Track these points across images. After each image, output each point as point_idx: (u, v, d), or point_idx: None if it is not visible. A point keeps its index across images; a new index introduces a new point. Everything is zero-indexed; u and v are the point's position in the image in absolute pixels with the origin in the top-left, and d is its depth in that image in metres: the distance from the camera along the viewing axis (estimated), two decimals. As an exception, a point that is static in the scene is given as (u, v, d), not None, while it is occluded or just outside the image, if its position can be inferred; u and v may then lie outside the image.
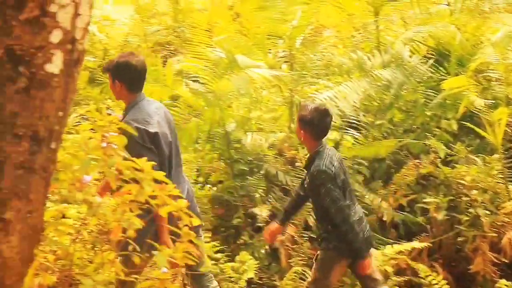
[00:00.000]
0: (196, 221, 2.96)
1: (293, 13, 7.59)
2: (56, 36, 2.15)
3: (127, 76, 4.37)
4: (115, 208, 2.83)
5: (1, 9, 2.09)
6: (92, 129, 2.86)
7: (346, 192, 4.67)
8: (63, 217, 4.11)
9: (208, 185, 6.85)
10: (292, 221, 6.22)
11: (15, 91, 2.13)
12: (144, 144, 4.10)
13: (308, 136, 4.68)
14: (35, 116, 2.18)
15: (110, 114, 2.97)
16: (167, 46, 10.63)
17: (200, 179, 7.03)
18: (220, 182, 6.95)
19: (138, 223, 2.79)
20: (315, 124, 4.61)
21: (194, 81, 7.51)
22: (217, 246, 5.95)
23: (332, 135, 6.95)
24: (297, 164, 6.96)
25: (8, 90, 2.12)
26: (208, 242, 5.79)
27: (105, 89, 8.20)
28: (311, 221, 6.28)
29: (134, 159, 2.83)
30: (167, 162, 4.29)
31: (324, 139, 4.79)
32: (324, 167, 4.52)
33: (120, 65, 4.39)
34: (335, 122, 6.83)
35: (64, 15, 2.16)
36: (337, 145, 6.97)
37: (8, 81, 2.12)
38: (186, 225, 2.92)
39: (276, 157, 7.02)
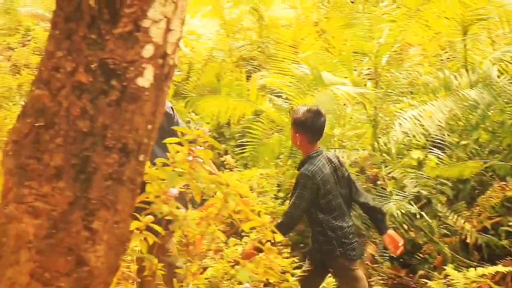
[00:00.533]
0: (279, 237, 2.96)
1: (379, 30, 7.53)
2: (148, 51, 2.19)
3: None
4: (200, 222, 2.85)
5: (96, 23, 2.15)
6: (178, 142, 2.89)
7: (332, 202, 4.63)
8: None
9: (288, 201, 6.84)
10: (373, 240, 6.15)
11: (107, 104, 2.18)
12: None
13: (304, 139, 4.66)
14: (125, 129, 2.22)
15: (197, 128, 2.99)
16: (251, 61, 10.72)
17: (281, 194, 7.04)
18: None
19: (222, 237, 2.81)
20: (308, 125, 4.59)
21: (277, 96, 7.55)
22: (296, 262, 5.92)
23: (415, 154, 6.85)
24: (378, 182, 6.89)
25: (100, 102, 2.17)
26: (287, 257, 5.77)
27: (189, 102, 8.32)
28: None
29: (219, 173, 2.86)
30: None
31: (320, 146, 4.80)
32: (309, 173, 4.52)
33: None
34: (419, 141, 6.75)
35: (157, 30, 2.20)
36: (420, 165, 6.86)
37: (100, 94, 2.17)
38: (269, 241, 2.92)
39: (358, 175, 6.96)
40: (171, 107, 5.22)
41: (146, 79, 2.22)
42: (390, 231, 4.91)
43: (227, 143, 8.86)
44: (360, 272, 4.93)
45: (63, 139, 2.20)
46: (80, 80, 2.17)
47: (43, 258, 2.25)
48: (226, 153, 8.34)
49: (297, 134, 4.63)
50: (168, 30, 2.24)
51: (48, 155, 2.22)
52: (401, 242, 4.90)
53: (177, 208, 2.73)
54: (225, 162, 8.05)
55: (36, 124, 2.23)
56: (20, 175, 2.26)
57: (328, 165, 4.65)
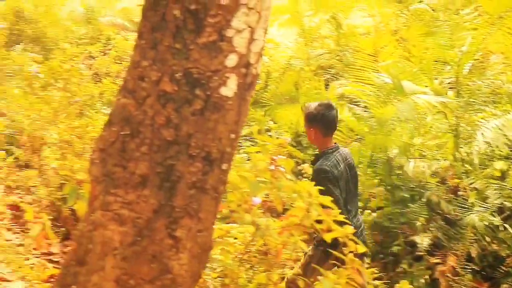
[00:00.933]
0: (361, 248, 2.92)
1: (461, 39, 7.36)
2: (231, 60, 2.20)
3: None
4: (281, 231, 2.84)
5: (180, 33, 2.17)
6: (259, 151, 2.90)
7: (347, 198, 4.56)
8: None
9: (368, 211, 6.76)
10: (454, 252, 6.02)
11: (191, 113, 2.20)
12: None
13: (318, 133, 4.57)
14: (209, 138, 2.23)
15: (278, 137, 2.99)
16: (329, 69, 10.66)
17: (360, 204, 6.96)
18: (380, 208, 6.84)
19: (304, 247, 2.79)
20: (319, 118, 4.51)
21: (356, 105, 7.48)
22: (375, 273, 5.84)
23: (498, 164, 6.66)
24: (460, 193, 6.73)
25: (185, 111, 2.19)
26: (367, 268, 5.71)
27: (268, 111, 8.34)
28: (474, 252, 6.04)
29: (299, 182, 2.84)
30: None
31: (336, 142, 4.71)
32: (325, 167, 4.42)
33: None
34: (502, 152, 6.56)
35: (240, 40, 2.21)
36: (504, 175, 6.66)
37: (185, 103, 2.19)
38: (351, 252, 2.88)
39: (439, 185, 6.81)
40: None
41: (229, 89, 2.23)
42: None
43: (304, 151, 8.81)
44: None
45: (148, 148, 2.23)
46: (165, 89, 2.19)
47: (128, 265, 2.28)
48: (303, 162, 8.30)
49: (311, 129, 4.55)
50: (251, 39, 2.25)
51: (134, 163, 2.25)
52: None
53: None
54: (302, 171, 8.01)
55: (122, 133, 2.27)
56: (106, 183, 2.30)
57: (343, 163, 4.58)
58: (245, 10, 2.19)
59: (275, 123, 8.76)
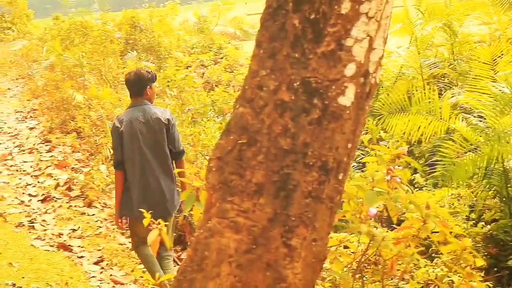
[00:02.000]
0: (479, 262, 2.83)
1: None
2: (350, 70, 2.18)
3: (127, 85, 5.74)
4: (397, 242, 2.79)
5: (299, 42, 2.17)
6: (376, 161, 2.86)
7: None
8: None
9: (482, 223, 6.55)
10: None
11: (308, 122, 2.19)
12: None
13: None
14: (326, 147, 2.22)
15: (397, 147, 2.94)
16: (442, 78, 10.44)
17: (473, 215, 6.76)
18: (495, 220, 6.62)
19: (420, 259, 2.72)
20: None
21: (471, 115, 7.28)
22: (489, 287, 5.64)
23: None
24: None
25: (302, 120, 2.19)
26: (480, 281, 5.52)
27: (379, 120, 8.24)
28: None
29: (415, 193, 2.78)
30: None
31: None
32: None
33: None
34: None
35: (359, 49, 2.18)
36: None
37: (302, 112, 2.19)
38: (469, 266, 2.79)
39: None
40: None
41: (347, 98, 2.21)
42: None
43: (416, 161, 8.67)
44: None
45: (264, 156, 2.25)
46: (282, 98, 2.20)
47: (243, 273, 2.30)
48: (415, 171, 8.14)
49: None
50: (370, 48, 2.22)
51: (250, 172, 2.27)
52: None
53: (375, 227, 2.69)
54: (414, 181, 7.87)
55: (239, 141, 2.29)
56: (223, 191, 2.33)
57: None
58: (365, 19, 2.17)
59: (386, 132, 8.65)
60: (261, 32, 2.29)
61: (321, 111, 2.18)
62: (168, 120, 5.56)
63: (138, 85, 5.51)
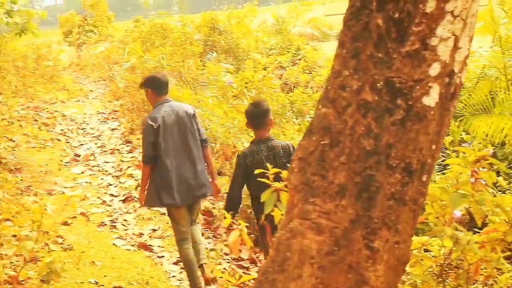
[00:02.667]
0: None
1: None
2: (434, 69, 2.15)
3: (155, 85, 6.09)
4: (482, 246, 2.72)
5: (383, 41, 2.15)
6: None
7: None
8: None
9: None
10: None
11: (392, 122, 2.16)
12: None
13: (248, 124, 5.56)
14: (409, 148, 2.19)
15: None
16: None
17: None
18: None
19: (506, 264, 2.65)
20: (248, 114, 5.46)
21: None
22: None
23: None
24: None
25: (385, 121, 2.17)
26: None
27: (461, 121, 8.07)
28: None
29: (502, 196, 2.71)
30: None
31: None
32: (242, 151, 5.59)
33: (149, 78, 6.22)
34: None
35: (444, 48, 2.14)
36: None
37: (385, 112, 2.16)
38: None
39: None
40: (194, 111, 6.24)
41: (431, 98, 2.17)
42: None
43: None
44: None
45: (347, 157, 2.23)
46: (365, 98, 2.18)
47: (324, 275, 2.29)
48: (498, 174, 7.93)
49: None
50: (456, 48, 2.17)
51: (332, 173, 2.26)
52: None
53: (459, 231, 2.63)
54: (497, 184, 7.66)
55: (321, 142, 2.28)
56: (305, 192, 2.32)
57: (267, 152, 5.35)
58: (450, 18, 2.12)
59: (468, 134, 8.46)
60: (344, 31, 2.27)
61: (404, 111, 2.15)
62: (194, 113, 6.11)
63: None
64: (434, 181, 3.12)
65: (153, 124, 5.79)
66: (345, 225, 2.24)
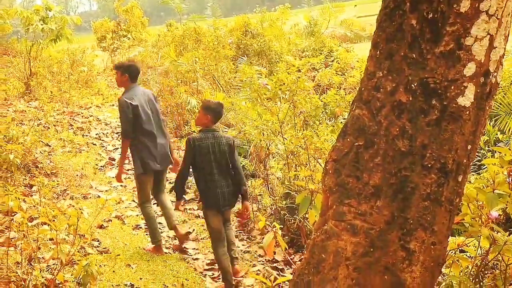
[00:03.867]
0: None
1: None
2: (469, 69, 2.13)
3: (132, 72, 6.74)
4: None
5: (417, 42, 2.14)
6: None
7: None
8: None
9: None
10: None
11: (426, 123, 2.16)
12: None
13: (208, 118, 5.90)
14: (444, 149, 2.18)
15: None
16: None
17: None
18: None
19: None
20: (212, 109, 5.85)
21: None
22: None
23: None
24: None
25: (420, 122, 2.16)
26: None
27: (496, 122, 7.97)
28: None
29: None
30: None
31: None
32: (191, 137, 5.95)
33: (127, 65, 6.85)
34: None
35: (479, 48, 2.13)
36: None
37: (420, 113, 2.15)
38: None
39: None
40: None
41: (466, 98, 2.16)
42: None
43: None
44: None
45: (381, 158, 2.23)
46: (400, 99, 2.18)
47: (360, 276, 2.29)
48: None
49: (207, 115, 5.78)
50: (491, 47, 2.16)
51: (367, 174, 2.26)
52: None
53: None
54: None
55: (356, 143, 2.28)
56: (340, 193, 2.33)
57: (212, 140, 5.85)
58: (485, 17, 2.11)
59: (503, 133, 8.35)
60: (378, 33, 2.27)
61: (439, 112, 2.15)
62: (156, 96, 6.98)
63: None
64: (470, 181, 3.10)
65: (132, 102, 6.52)
66: (380, 226, 2.24)
